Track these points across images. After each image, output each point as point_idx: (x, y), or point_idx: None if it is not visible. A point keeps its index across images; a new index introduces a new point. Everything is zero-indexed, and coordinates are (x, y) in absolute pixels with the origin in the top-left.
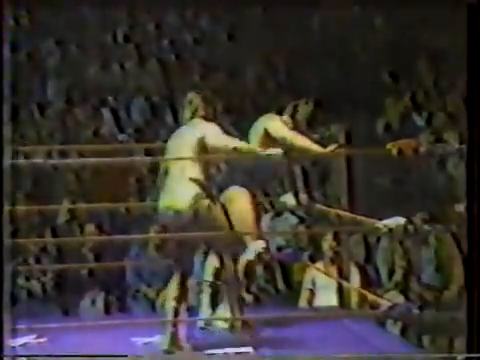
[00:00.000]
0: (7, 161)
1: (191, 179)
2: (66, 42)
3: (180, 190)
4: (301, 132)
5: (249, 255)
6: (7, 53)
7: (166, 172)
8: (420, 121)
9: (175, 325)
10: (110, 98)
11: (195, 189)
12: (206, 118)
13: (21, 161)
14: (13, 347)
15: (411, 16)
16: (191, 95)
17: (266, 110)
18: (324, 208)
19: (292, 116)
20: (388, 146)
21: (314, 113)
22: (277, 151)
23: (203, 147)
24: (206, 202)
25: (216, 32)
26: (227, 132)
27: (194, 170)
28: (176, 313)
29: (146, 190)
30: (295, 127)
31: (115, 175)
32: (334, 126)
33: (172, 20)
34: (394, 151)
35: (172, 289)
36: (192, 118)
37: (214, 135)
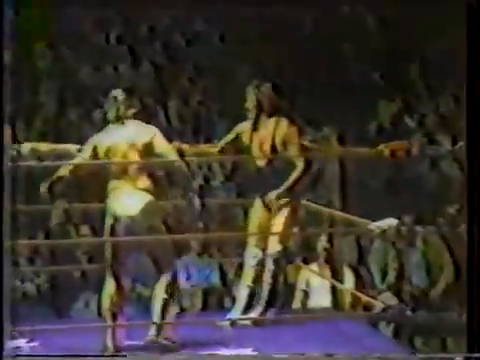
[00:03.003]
0: (7, 163)
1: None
2: (58, 44)
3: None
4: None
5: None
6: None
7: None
8: (411, 123)
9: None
10: (103, 99)
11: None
12: (140, 118)
13: (15, 164)
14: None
15: (405, 17)
16: (116, 92)
17: None
18: (317, 207)
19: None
20: (380, 147)
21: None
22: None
23: (149, 151)
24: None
25: (208, 34)
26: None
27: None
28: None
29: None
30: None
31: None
32: (326, 128)
33: (165, 22)
34: (386, 152)
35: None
36: (120, 118)
37: (162, 141)
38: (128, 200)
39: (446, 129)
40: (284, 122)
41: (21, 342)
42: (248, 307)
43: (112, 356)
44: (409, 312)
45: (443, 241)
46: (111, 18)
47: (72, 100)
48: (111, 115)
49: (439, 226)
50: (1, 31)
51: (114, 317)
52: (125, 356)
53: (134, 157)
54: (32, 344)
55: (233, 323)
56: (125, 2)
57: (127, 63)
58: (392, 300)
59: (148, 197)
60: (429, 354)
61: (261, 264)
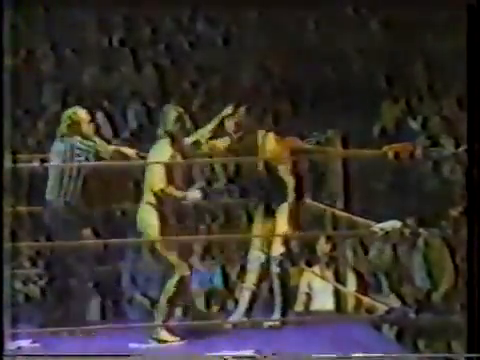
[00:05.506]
0: (7, 165)
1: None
2: (62, 46)
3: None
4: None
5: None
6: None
7: None
8: (415, 125)
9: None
10: (105, 102)
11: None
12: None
13: (16, 165)
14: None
15: (408, 19)
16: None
17: (261, 114)
18: (320, 206)
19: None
20: (384, 149)
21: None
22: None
23: None
24: None
25: (211, 36)
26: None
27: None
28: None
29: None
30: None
31: (111, 178)
32: (330, 130)
33: (168, 24)
34: (390, 154)
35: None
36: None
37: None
38: None
39: (449, 132)
40: (271, 137)
41: (24, 343)
42: (250, 309)
43: (112, 356)
44: (412, 314)
45: (445, 243)
46: (114, 20)
47: (75, 102)
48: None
49: (442, 228)
50: (1, 31)
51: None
52: (127, 356)
53: None
54: (34, 345)
55: (235, 325)
56: (128, 4)
57: (130, 66)
58: (395, 302)
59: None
60: (429, 354)
61: (263, 267)
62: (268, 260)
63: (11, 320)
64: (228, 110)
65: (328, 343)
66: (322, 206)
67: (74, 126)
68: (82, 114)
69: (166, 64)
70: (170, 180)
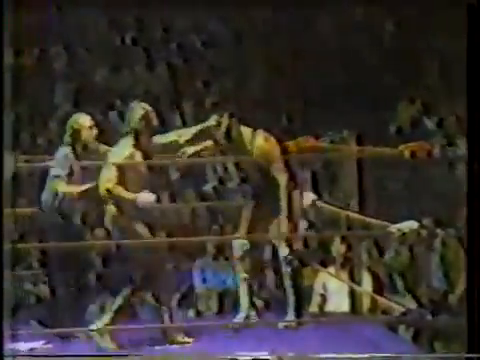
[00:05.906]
0: (10, 165)
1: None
2: (74, 45)
3: None
4: None
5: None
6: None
7: None
8: (430, 124)
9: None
10: (118, 101)
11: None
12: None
13: (26, 165)
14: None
15: (423, 19)
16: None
17: (274, 112)
18: (335, 209)
19: None
20: (401, 148)
21: None
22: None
23: None
24: None
25: (224, 35)
26: None
27: None
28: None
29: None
30: None
31: None
32: (345, 130)
33: (180, 23)
34: (407, 153)
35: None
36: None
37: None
38: None
39: (465, 131)
40: (260, 135)
41: (37, 344)
42: (253, 302)
43: (112, 356)
44: (429, 316)
45: (461, 244)
46: (126, 20)
47: (87, 101)
48: None
49: (458, 229)
50: (1, 31)
51: None
52: (126, 356)
53: None
54: (47, 346)
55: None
56: (140, 4)
57: (142, 65)
58: (411, 304)
59: None
60: (428, 355)
61: (250, 253)
62: (252, 248)
63: (22, 321)
64: (212, 121)
65: (344, 344)
66: (336, 208)
67: (75, 134)
68: (85, 122)
69: (179, 63)
70: (121, 180)
